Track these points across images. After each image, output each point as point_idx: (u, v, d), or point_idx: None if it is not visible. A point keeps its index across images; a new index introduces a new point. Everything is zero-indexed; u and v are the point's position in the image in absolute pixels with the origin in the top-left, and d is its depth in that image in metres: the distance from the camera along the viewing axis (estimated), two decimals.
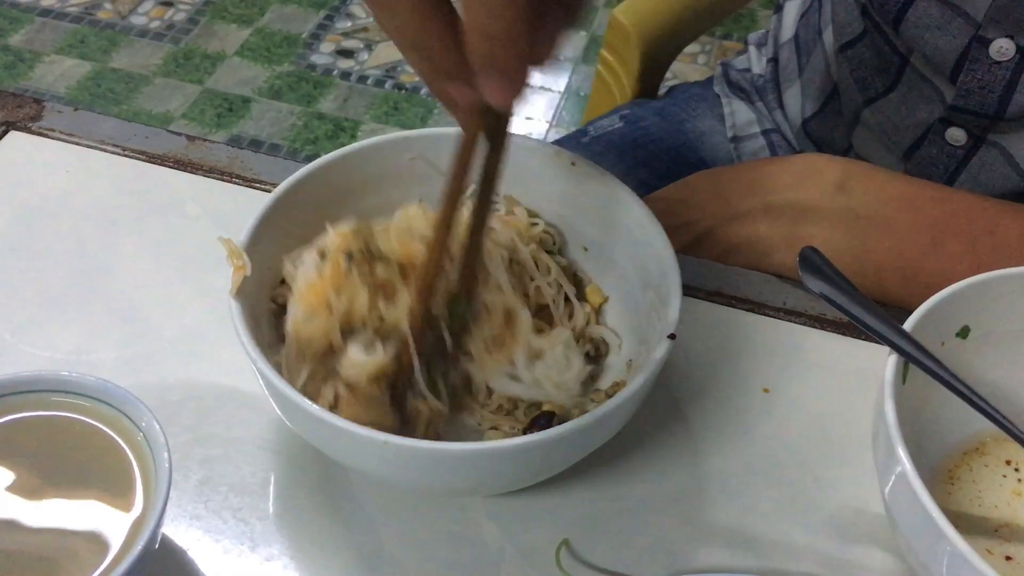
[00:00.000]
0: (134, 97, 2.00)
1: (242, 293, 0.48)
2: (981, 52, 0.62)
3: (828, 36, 0.79)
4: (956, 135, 0.68)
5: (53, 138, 0.68)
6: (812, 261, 0.49)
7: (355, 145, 0.55)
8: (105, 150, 0.67)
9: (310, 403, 0.43)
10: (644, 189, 0.75)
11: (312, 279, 0.47)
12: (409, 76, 2.09)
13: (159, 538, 0.43)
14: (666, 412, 0.55)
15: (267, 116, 1.98)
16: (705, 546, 0.50)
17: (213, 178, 0.66)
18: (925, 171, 0.71)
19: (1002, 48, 0.62)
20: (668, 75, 1.08)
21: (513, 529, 0.50)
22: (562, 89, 2.10)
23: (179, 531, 0.49)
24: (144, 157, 0.67)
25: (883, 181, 0.60)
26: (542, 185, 0.56)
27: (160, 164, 0.67)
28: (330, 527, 0.50)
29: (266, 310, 0.51)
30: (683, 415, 0.55)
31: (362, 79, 2.08)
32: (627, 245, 0.54)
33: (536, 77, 2.16)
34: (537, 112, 2.04)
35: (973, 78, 0.63)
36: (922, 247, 0.58)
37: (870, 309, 0.48)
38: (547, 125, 2.02)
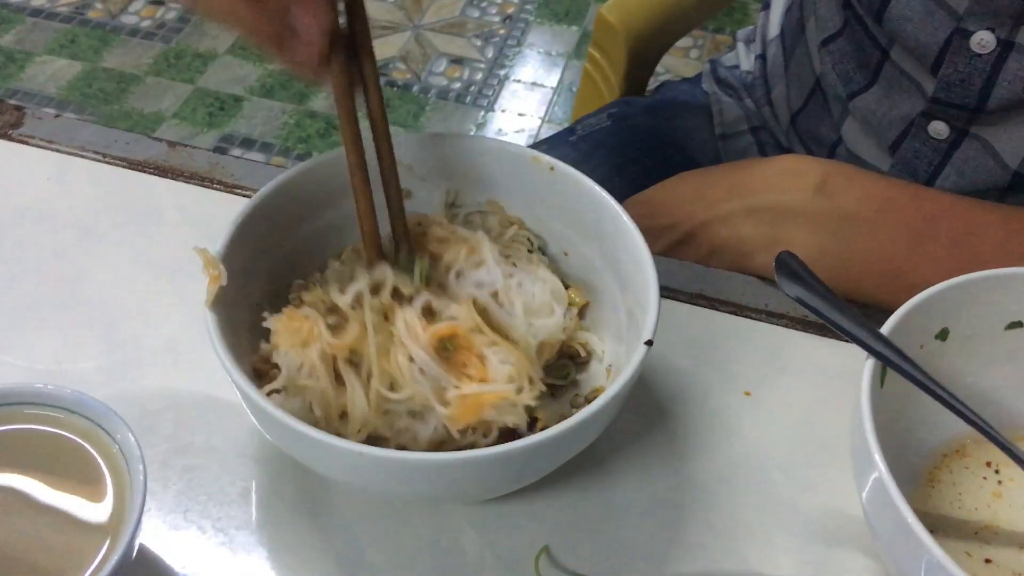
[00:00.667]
0: (125, 97, 2.00)
1: (219, 303, 0.47)
2: (962, 44, 0.62)
3: (811, 29, 0.79)
4: (938, 128, 0.68)
5: (33, 145, 0.67)
6: (788, 265, 0.49)
7: (334, 152, 0.54)
8: (85, 157, 0.67)
9: (285, 414, 0.43)
10: (632, 187, 0.75)
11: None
12: (401, 73, 2.09)
13: (135, 550, 0.43)
14: (647, 416, 0.55)
15: (259, 115, 1.98)
16: (686, 551, 0.50)
17: (194, 184, 0.66)
18: (910, 165, 0.71)
19: (983, 40, 0.61)
20: (660, 69, 1.07)
21: (493, 536, 0.50)
22: (554, 85, 2.09)
23: (158, 542, 0.49)
24: (125, 164, 0.67)
25: (864, 182, 0.60)
26: (521, 191, 0.56)
27: (140, 171, 0.66)
28: (311, 537, 0.50)
29: (245, 318, 0.51)
30: (664, 419, 0.55)
31: None
32: (606, 249, 0.54)
33: (529, 73, 2.14)
34: (529, 108, 2.04)
35: (954, 71, 0.63)
36: (903, 248, 0.58)
37: (846, 313, 0.48)
38: (539, 121, 2.01)
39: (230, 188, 0.65)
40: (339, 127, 0.49)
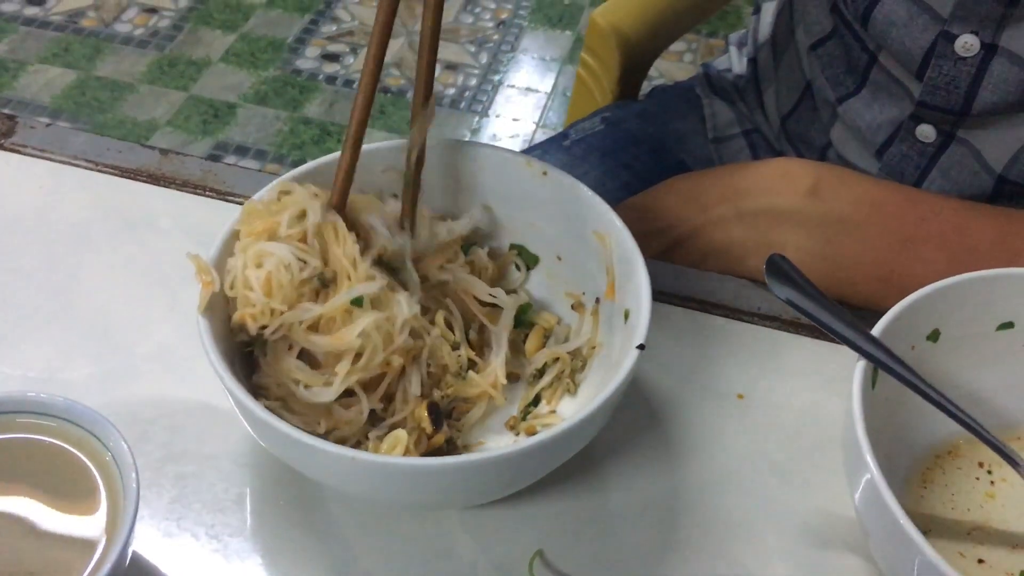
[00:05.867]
0: (119, 105, 2.00)
1: (211, 309, 0.48)
2: (947, 48, 0.63)
3: (800, 33, 0.79)
4: (926, 132, 0.68)
5: (25, 154, 0.67)
6: (779, 267, 0.49)
7: (326, 158, 0.54)
8: (78, 166, 0.67)
9: (279, 420, 0.43)
10: (626, 191, 0.75)
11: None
12: (395, 80, 2.09)
13: (128, 558, 0.43)
14: (640, 420, 0.55)
15: (253, 122, 1.98)
16: (680, 554, 0.50)
17: (187, 192, 0.66)
18: (897, 168, 0.71)
19: (967, 44, 0.62)
20: (653, 73, 1.07)
21: (487, 541, 0.50)
22: (548, 90, 2.10)
23: (152, 549, 0.49)
24: (117, 172, 0.67)
25: (855, 185, 0.60)
26: (514, 196, 0.56)
27: (133, 179, 0.66)
28: (305, 543, 0.50)
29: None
30: (657, 422, 0.55)
31: (348, 83, 2.08)
32: (599, 253, 0.54)
33: (523, 78, 2.14)
34: (524, 113, 2.04)
35: (939, 74, 0.64)
36: (894, 250, 0.58)
37: (838, 315, 0.48)
38: (533, 126, 2.01)
39: (223, 195, 0.65)
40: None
